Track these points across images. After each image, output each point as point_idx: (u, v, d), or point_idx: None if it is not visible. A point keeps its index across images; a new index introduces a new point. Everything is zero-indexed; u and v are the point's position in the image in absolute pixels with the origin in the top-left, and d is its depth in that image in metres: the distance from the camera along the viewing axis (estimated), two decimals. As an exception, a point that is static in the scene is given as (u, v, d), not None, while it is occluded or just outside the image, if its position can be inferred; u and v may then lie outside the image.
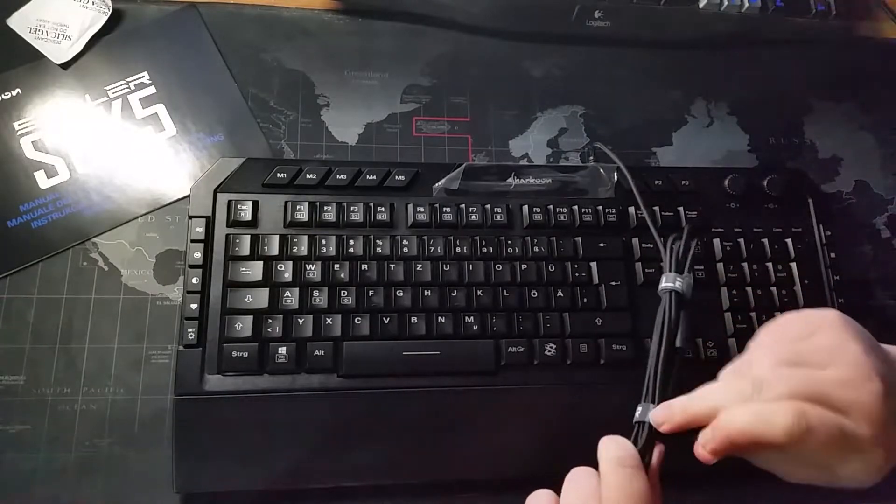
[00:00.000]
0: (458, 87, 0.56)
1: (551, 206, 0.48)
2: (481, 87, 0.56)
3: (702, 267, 0.48)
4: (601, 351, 0.45)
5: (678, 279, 0.40)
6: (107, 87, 0.51)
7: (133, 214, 0.48)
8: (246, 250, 0.44)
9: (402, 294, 0.45)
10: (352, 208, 0.46)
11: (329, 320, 0.44)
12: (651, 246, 0.48)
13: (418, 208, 0.47)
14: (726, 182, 0.50)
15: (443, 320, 0.45)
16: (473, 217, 0.47)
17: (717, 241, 0.49)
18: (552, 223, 0.48)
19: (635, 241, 0.48)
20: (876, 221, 0.56)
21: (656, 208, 0.49)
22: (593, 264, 0.47)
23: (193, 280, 0.43)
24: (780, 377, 0.31)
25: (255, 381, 0.42)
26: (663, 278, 0.41)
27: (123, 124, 0.51)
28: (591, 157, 0.54)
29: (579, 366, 0.45)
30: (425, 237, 0.46)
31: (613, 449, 0.33)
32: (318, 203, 0.46)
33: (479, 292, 0.45)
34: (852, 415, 0.29)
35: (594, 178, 0.50)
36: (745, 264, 0.48)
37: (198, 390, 0.42)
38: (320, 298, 0.44)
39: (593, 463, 0.36)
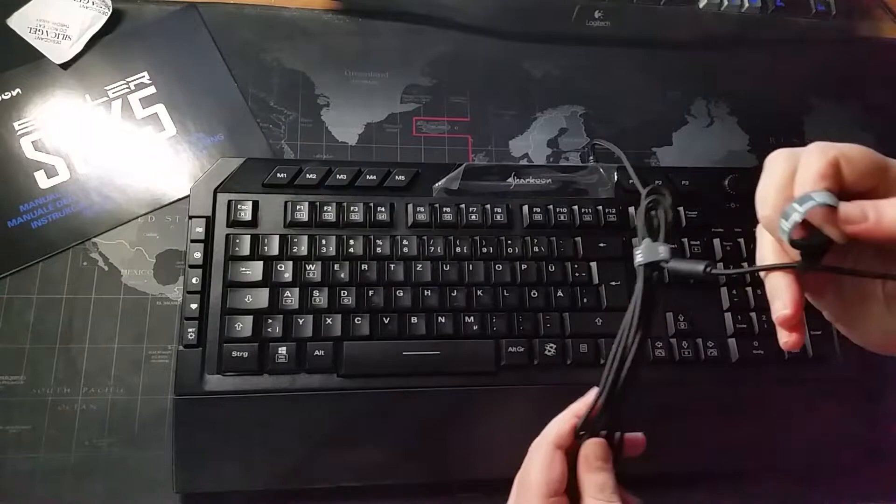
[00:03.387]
0: (458, 87, 0.56)
1: (551, 206, 0.48)
2: (481, 87, 0.56)
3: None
4: (601, 351, 0.45)
5: (638, 251, 0.35)
6: (107, 87, 0.51)
7: (133, 214, 0.49)
8: (246, 250, 0.44)
9: (402, 294, 0.45)
10: (352, 208, 0.46)
11: (329, 320, 0.44)
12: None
13: (418, 208, 0.47)
14: (726, 182, 0.50)
15: (443, 320, 0.45)
16: (473, 217, 0.47)
17: (717, 241, 0.49)
18: (552, 223, 0.48)
19: (636, 241, 0.48)
20: (876, 221, 0.56)
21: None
22: (593, 264, 0.47)
23: (193, 280, 0.43)
24: None
25: (255, 381, 0.42)
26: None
27: (123, 124, 0.51)
28: (591, 157, 0.54)
29: (579, 366, 0.45)
30: (425, 237, 0.46)
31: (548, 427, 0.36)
32: (318, 203, 0.46)
33: (479, 292, 0.45)
34: None
35: (594, 178, 0.50)
36: (745, 264, 0.48)
37: (198, 390, 0.42)
38: (320, 298, 0.44)
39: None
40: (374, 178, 0.47)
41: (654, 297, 0.35)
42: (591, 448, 0.33)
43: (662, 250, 0.35)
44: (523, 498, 0.34)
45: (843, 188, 0.27)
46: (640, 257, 0.36)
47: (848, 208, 0.26)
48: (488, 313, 0.45)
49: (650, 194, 0.38)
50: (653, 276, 0.36)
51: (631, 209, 0.49)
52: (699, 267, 0.34)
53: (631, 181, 0.49)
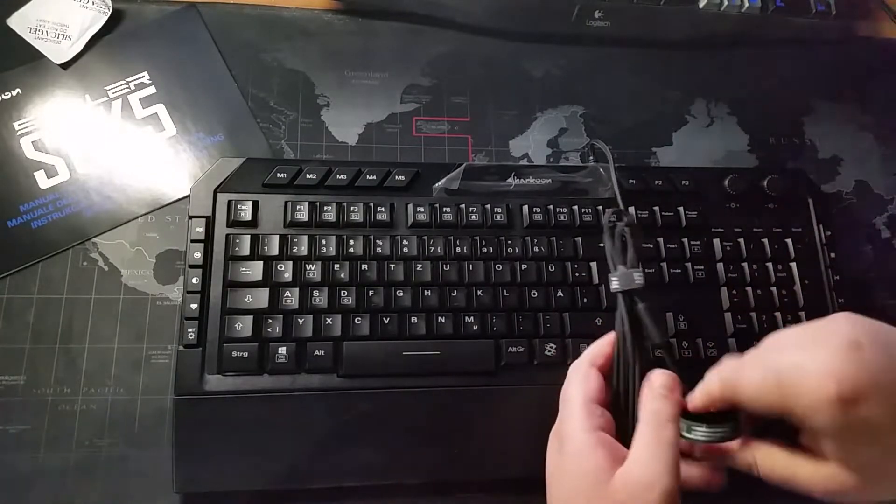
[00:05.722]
0: (458, 87, 0.56)
1: (551, 206, 0.48)
2: (481, 87, 0.56)
3: (702, 267, 0.48)
4: (601, 351, 0.45)
5: (614, 278, 0.39)
6: (107, 87, 0.51)
7: (133, 214, 0.49)
8: (246, 250, 0.44)
9: (402, 294, 0.45)
10: (352, 208, 0.46)
11: (329, 320, 0.44)
12: (651, 246, 0.48)
13: (418, 208, 0.47)
14: (726, 182, 0.50)
15: (443, 320, 0.45)
16: (473, 217, 0.47)
17: (717, 241, 0.49)
18: (552, 223, 0.48)
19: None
20: (876, 221, 0.56)
21: (656, 208, 0.49)
22: (593, 264, 0.47)
23: (193, 280, 0.43)
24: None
25: (255, 381, 0.42)
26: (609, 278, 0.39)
27: (123, 124, 0.51)
28: (591, 157, 0.54)
29: (579, 366, 0.45)
30: (425, 237, 0.46)
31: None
32: (318, 203, 0.46)
33: (479, 292, 0.45)
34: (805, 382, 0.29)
35: (594, 178, 0.50)
36: (745, 264, 0.48)
37: (198, 390, 0.42)
38: (320, 298, 0.44)
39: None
40: (374, 178, 0.47)
41: (638, 318, 0.38)
42: (658, 377, 0.35)
43: (637, 277, 0.37)
44: (565, 409, 0.37)
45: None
46: (615, 284, 0.38)
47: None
48: (488, 313, 0.45)
49: (614, 216, 0.39)
50: (633, 300, 0.37)
51: (631, 209, 0.49)
52: (656, 339, 0.38)
53: (631, 181, 0.49)
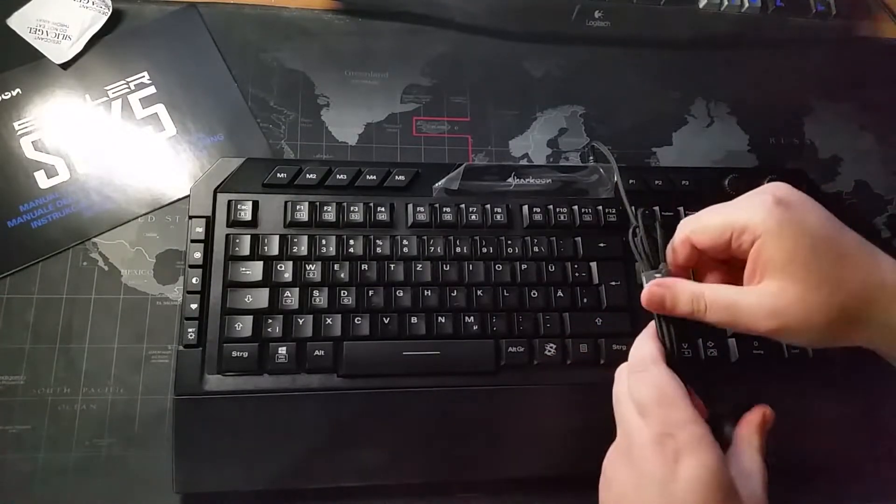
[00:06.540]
0: (458, 87, 0.56)
1: (551, 206, 0.48)
2: (481, 87, 0.56)
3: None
4: (601, 351, 0.45)
5: (657, 275, 0.39)
6: (107, 87, 0.51)
7: (133, 214, 0.49)
8: (246, 250, 0.44)
9: (402, 294, 0.45)
10: (352, 208, 0.46)
11: (329, 320, 0.44)
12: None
13: (418, 208, 0.47)
14: (726, 182, 0.50)
15: (443, 320, 0.45)
16: (473, 217, 0.47)
17: (717, 241, 0.48)
18: (552, 223, 0.48)
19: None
20: (876, 221, 0.56)
21: (656, 208, 0.49)
22: (593, 264, 0.47)
23: (193, 280, 0.43)
24: None
25: (255, 381, 0.42)
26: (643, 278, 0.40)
27: (123, 124, 0.51)
28: (591, 157, 0.54)
29: (579, 366, 0.45)
30: (425, 237, 0.46)
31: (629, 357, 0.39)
32: (318, 203, 0.46)
33: (479, 292, 0.45)
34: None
35: (594, 178, 0.50)
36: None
37: (198, 390, 0.42)
38: (320, 298, 0.44)
39: (593, 462, 0.37)
40: (374, 178, 0.47)
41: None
42: (772, 414, 0.38)
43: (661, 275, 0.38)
44: (671, 412, 0.34)
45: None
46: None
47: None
48: (488, 313, 0.45)
49: (648, 214, 0.40)
50: None
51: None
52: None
53: (631, 181, 0.49)
